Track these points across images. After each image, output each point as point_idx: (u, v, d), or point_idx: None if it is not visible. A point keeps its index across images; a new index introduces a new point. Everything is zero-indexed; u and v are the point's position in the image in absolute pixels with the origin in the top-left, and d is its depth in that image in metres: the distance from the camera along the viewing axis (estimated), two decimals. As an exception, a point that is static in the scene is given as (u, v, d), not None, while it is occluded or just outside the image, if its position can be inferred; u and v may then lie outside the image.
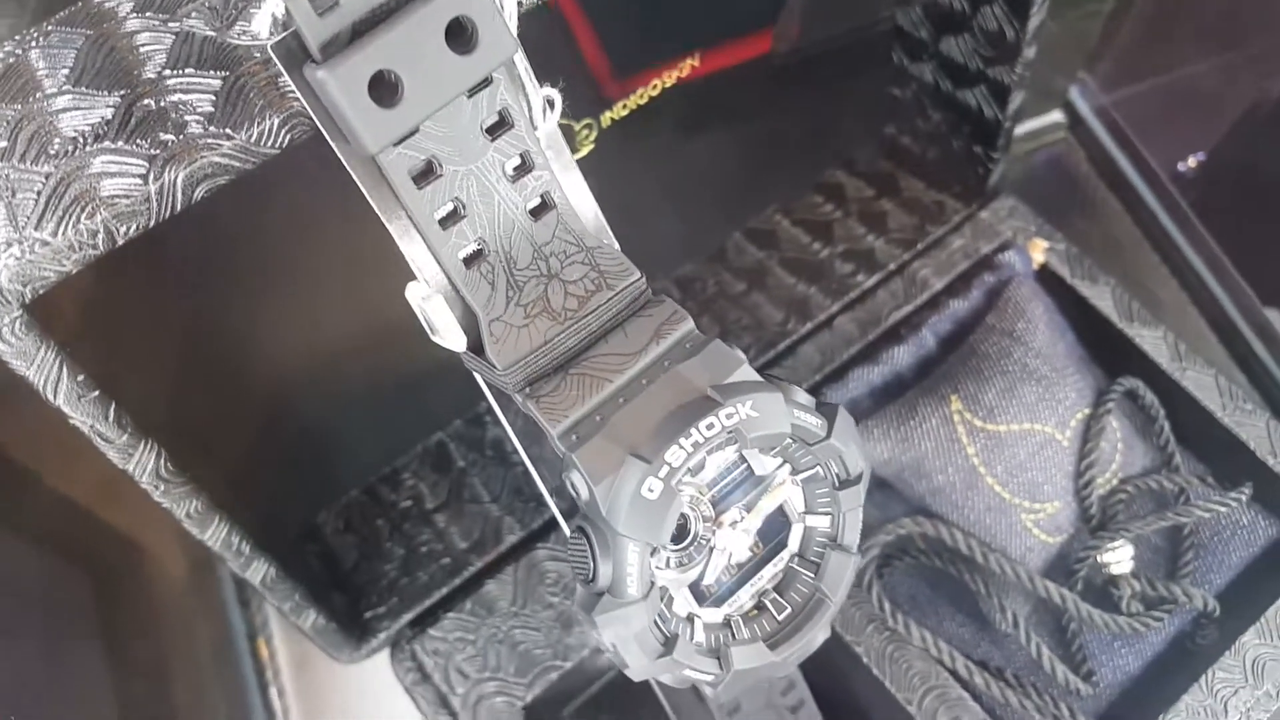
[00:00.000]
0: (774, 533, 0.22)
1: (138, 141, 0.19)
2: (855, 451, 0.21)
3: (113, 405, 0.21)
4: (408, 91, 0.17)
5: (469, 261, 0.19)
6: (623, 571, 0.19)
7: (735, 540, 0.21)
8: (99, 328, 0.23)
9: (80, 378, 0.20)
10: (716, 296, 0.39)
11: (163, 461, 0.22)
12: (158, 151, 0.18)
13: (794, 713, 0.30)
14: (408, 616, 0.34)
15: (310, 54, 0.16)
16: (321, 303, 0.31)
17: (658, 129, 0.34)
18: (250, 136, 0.19)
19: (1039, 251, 0.39)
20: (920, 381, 0.37)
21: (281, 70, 0.17)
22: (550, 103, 0.19)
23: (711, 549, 0.21)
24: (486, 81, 0.18)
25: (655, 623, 0.20)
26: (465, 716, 0.33)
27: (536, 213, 0.19)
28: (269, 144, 0.19)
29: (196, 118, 0.19)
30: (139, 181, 0.18)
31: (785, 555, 0.22)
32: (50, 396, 0.20)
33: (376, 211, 0.18)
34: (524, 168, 0.19)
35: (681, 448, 0.18)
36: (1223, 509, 0.34)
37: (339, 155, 0.18)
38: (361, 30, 0.16)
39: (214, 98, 0.19)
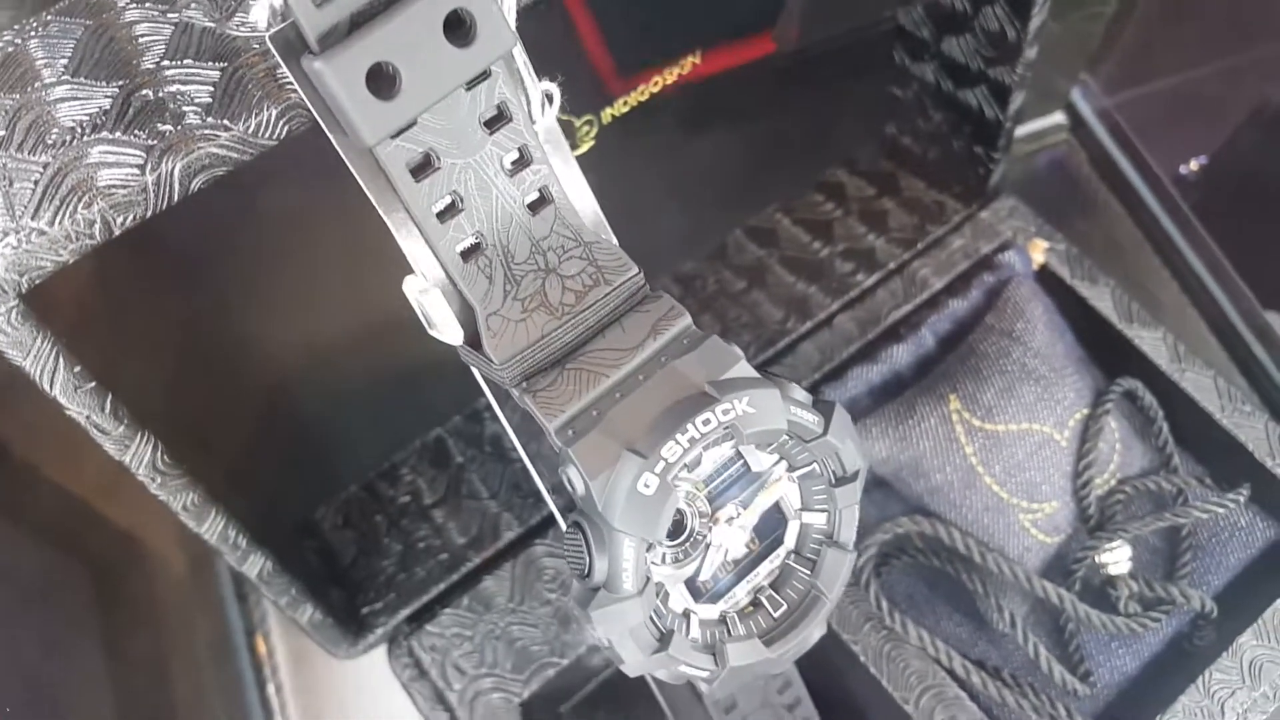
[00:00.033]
0: (770, 529, 0.22)
1: (135, 132, 0.19)
2: (852, 448, 0.21)
3: (109, 397, 0.21)
4: (406, 84, 0.17)
5: (466, 255, 0.19)
6: (618, 567, 0.19)
7: (731, 537, 0.21)
8: (96, 319, 0.23)
9: (77, 369, 0.20)
10: (716, 294, 0.39)
11: (159, 454, 0.22)
12: (155, 142, 0.18)
13: (790, 711, 0.30)
14: (405, 612, 0.34)
15: (308, 45, 0.16)
16: (320, 297, 0.31)
17: (658, 126, 0.34)
18: (248, 128, 0.19)
19: (1039, 252, 0.39)
20: (919, 381, 0.37)
21: (279, 61, 0.17)
22: (549, 97, 0.19)
23: (707, 545, 0.21)
24: (485, 75, 0.18)
25: (651, 618, 0.20)
26: (462, 713, 0.33)
27: (534, 207, 0.19)
28: (267, 135, 0.19)
29: (194, 108, 0.19)
30: (136, 172, 0.18)
31: (781, 552, 0.22)
32: (47, 387, 0.20)
33: (374, 204, 0.18)
34: (522, 162, 0.19)
35: (678, 443, 0.18)
36: (1221, 510, 0.34)
37: (337, 147, 0.18)
38: (360, 22, 0.16)
39: (212, 89, 0.19)
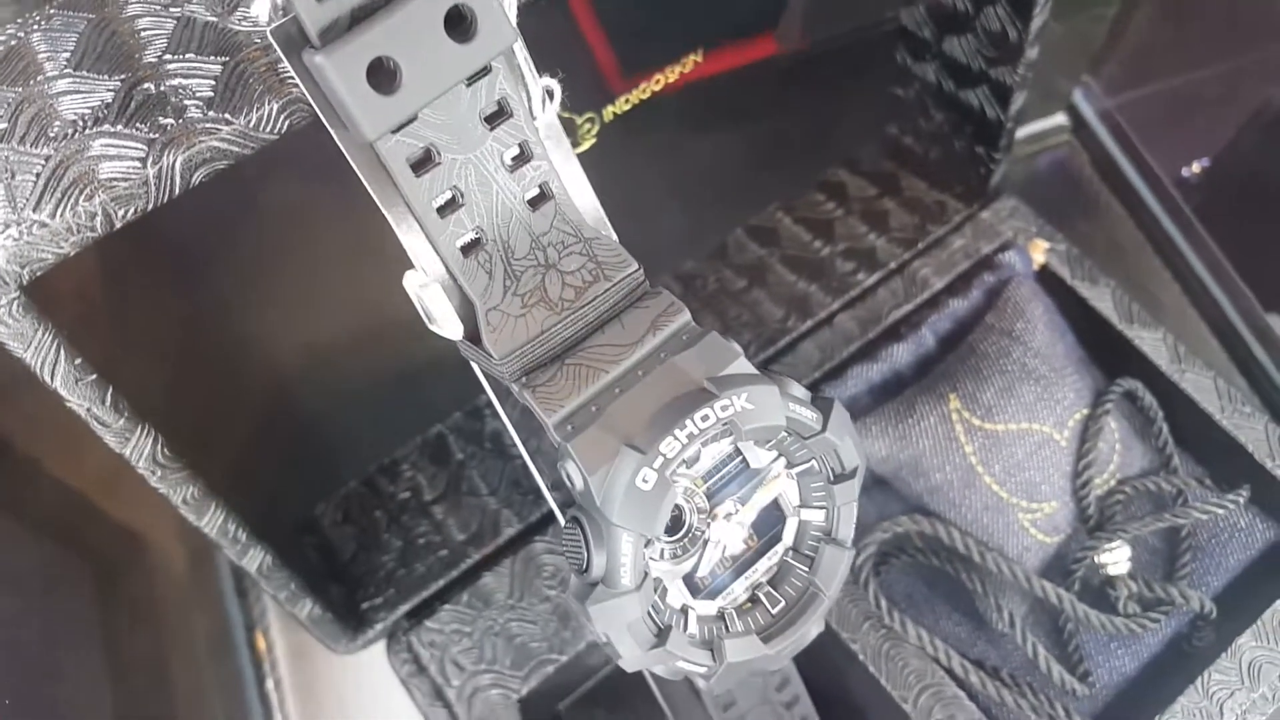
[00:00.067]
0: (769, 526, 0.22)
1: (137, 125, 0.19)
2: (850, 446, 0.21)
3: (110, 389, 0.21)
4: (406, 78, 0.17)
5: (467, 250, 0.19)
6: (616, 562, 0.19)
7: (730, 533, 0.21)
8: (97, 312, 0.23)
9: (77, 361, 0.20)
10: (717, 293, 0.39)
11: (160, 447, 0.22)
12: (156, 135, 0.19)
13: (789, 709, 0.30)
14: (404, 608, 0.34)
15: (309, 40, 0.16)
16: (321, 293, 0.31)
17: (660, 124, 0.34)
18: (249, 122, 0.19)
19: (1039, 252, 0.39)
20: (919, 380, 0.37)
21: (281, 56, 0.17)
22: (550, 93, 0.19)
23: (706, 541, 0.21)
24: (486, 70, 0.18)
25: (649, 614, 0.20)
26: (460, 709, 0.33)
27: (535, 203, 0.19)
28: (268, 129, 0.19)
29: (196, 102, 0.19)
30: (137, 165, 0.18)
31: (780, 549, 0.22)
32: (47, 379, 0.20)
33: (375, 199, 0.18)
34: (523, 157, 0.19)
35: (676, 439, 0.18)
36: (1220, 511, 0.34)
37: (337, 142, 0.18)
38: (361, 17, 0.16)
39: (214, 83, 0.19)
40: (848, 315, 0.39)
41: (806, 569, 0.22)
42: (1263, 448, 0.35)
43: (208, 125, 0.19)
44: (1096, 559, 0.34)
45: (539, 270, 0.19)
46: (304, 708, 0.39)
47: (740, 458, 0.21)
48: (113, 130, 0.19)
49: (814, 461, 0.21)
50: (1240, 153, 0.46)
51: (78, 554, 0.37)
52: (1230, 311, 0.44)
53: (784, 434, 0.20)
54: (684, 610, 0.21)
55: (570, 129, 0.31)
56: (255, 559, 0.27)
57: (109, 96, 0.19)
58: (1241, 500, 0.34)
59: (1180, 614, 0.34)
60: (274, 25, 0.17)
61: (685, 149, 0.37)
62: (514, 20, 0.18)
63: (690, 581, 0.21)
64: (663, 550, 0.20)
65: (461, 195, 0.18)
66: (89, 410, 0.21)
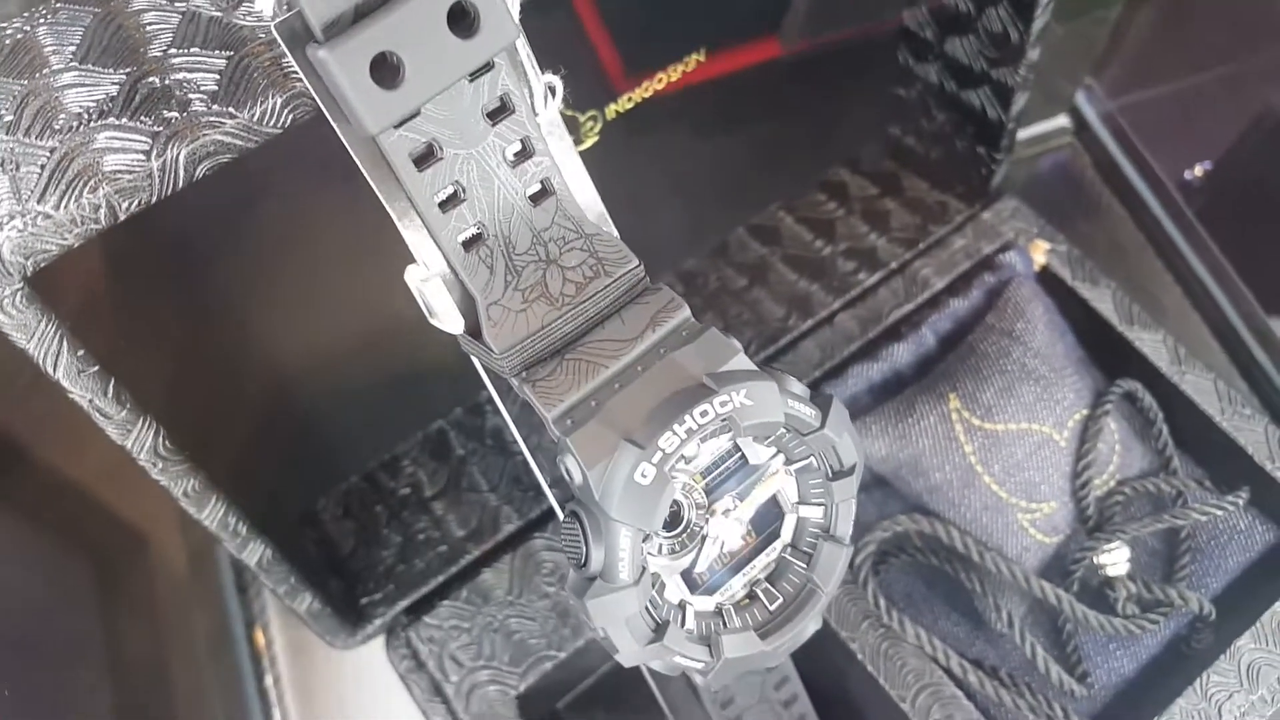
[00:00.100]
0: (767, 523, 0.22)
1: (141, 118, 0.19)
2: (849, 442, 0.21)
3: (112, 381, 0.21)
4: (409, 73, 0.17)
5: (468, 245, 0.19)
6: (615, 556, 0.19)
7: (728, 529, 0.21)
8: (100, 304, 0.23)
9: (80, 352, 0.20)
10: (719, 291, 0.40)
11: (161, 439, 0.23)
12: (161, 129, 0.19)
13: (787, 707, 0.30)
14: (404, 603, 0.34)
15: (313, 34, 0.16)
16: (324, 288, 0.31)
17: (662, 123, 0.34)
18: (253, 116, 0.19)
19: (1040, 253, 0.39)
20: (919, 379, 0.37)
21: (285, 50, 0.17)
22: (552, 89, 0.19)
23: (704, 537, 0.21)
24: (488, 66, 0.18)
25: (646, 609, 0.20)
26: (458, 704, 0.33)
27: (536, 198, 0.19)
28: (271, 123, 0.19)
29: (200, 96, 0.19)
30: (142, 157, 0.18)
31: (778, 545, 0.22)
32: (50, 370, 0.20)
33: (377, 194, 0.18)
34: (524, 153, 0.19)
35: (675, 434, 0.18)
36: (1219, 512, 0.34)
37: (340, 137, 0.18)
38: (364, 12, 0.16)
39: (218, 77, 0.19)
40: (848, 314, 0.39)
41: (804, 565, 0.22)
42: (1262, 450, 0.35)
43: (211, 119, 0.19)
44: (1095, 560, 0.34)
45: (540, 265, 0.19)
46: (303, 704, 0.39)
47: (739, 454, 0.21)
48: (117, 123, 0.19)
49: (812, 458, 0.21)
50: (1243, 156, 0.46)
51: (79, 549, 0.37)
52: (1232, 314, 0.44)
53: (783, 430, 0.20)
54: (681, 606, 0.21)
55: (573, 127, 0.31)
56: (255, 552, 0.27)
57: (114, 90, 0.19)
58: (1241, 502, 0.34)
59: (1179, 615, 0.34)
60: (278, 20, 0.17)
61: (687, 148, 0.37)
62: (516, 17, 0.18)
63: (688, 577, 0.21)
64: (661, 545, 0.20)
65: (463, 190, 0.18)
66: (91, 402, 0.21)
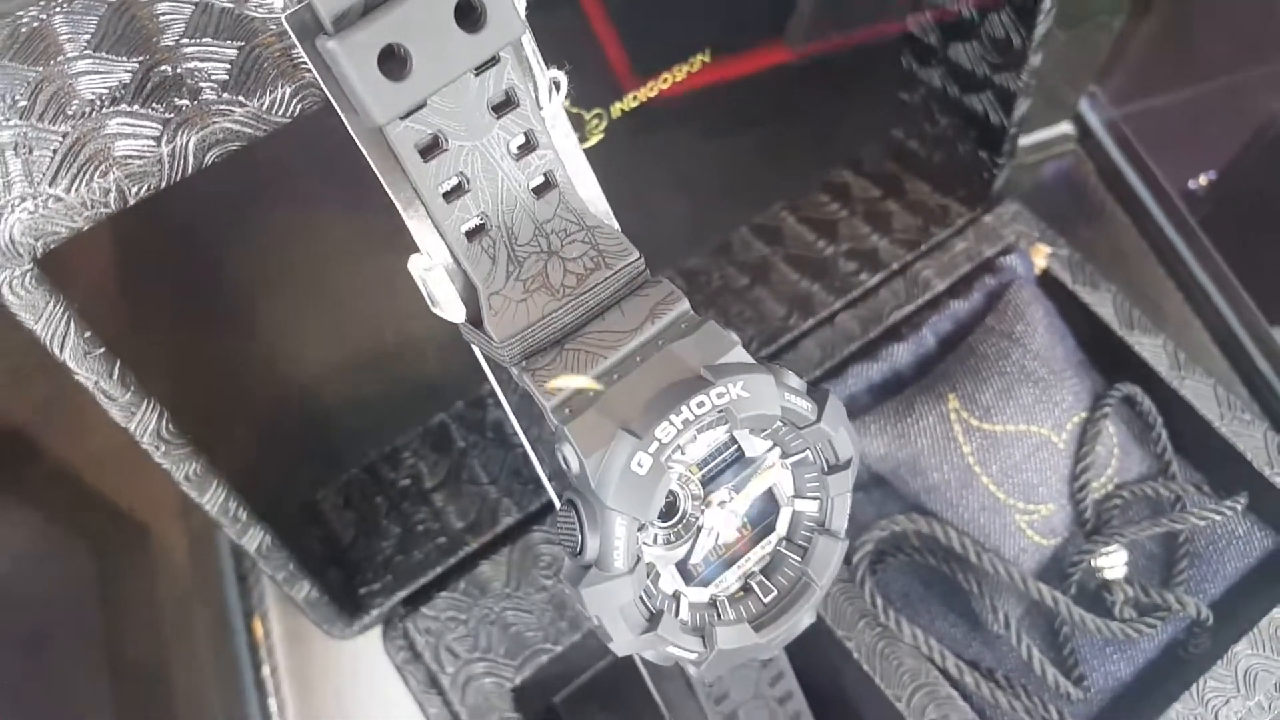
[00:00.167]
0: (763, 516, 0.22)
1: (153, 105, 0.19)
2: (845, 437, 0.21)
3: (117, 363, 0.21)
4: (416, 66, 0.17)
5: (471, 235, 0.19)
6: (610, 545, 0.19)
7: (723, 520, 0.21)
8: (107, 288, 0.23)
9: (87, 334, 0.21)
10: (721, 289, 0.40)
11: (164, 422, 0.23)
12: (172, 115, 0.19)
13: (782, 704, 0.30)
14: (401, 594, 0.34)
15: (323, 26, 0.17)
16: (330, 280, 0.31)
17: (667, 122, 0.35)
18: (262, 105, 0.19)
19: (1041, 257, 0.39)
20: (919, 380, 0.37)
21: (294, 41, 0.17)
22: (556, 84, 0.20)
23: (699, 528, 0.21)
24: (494, 60, 0.18)
25: (641, 598, 0.20)
26: (454, 696, 0.33)
27: (539, 191, 0.19)
28: (280, 113, 0.19)
29: (211, 85, 0.19)
30: (152, 143, 0.19)
31: (773, 539, 0.22)
32: (56, 351, 0.20)
33: (382, 183, 0.19)
34: (528, 146, 0.19)
35: (672, 424, 0.19)
36: (1217, 517, 0.34)
37: (348, 127, 0.18)
38: (373, 5, 0.17)
39: (229, 66, 0.19)
40: (849, 314, 0.39)
41: (799, 559, 0.22)
42: (1261, 455, 0.35)
43: (221, 107, 0.19)
44: (1093, 563, 0.34)
45: (541, 256, 0.19)
46: (300, 694, 0.39)
47: (735, 446, 0.21)
48: (129, 110, 0.19)
49: (808, 452, 0.21)
50: (1246, 165, 0.46)
51: (78, 539, 0.37)
52: (1234, 322, 0.44)
53: (779, 423, 0.20)
54: (676, 596, 0.21)
55: (578, 124, 0.32)
56: (255, 538, 0.27)
57: (127, 77, 0.19)
58: (1239, 507, 0.34)
59: (1177, 620, 0.34)
60: (289, 12, 0.17)
61: (691, 147, 0.37)
62: (523, 13, 0.18)
63: (683, 568, 0.21)
64: (656, 536, 0.21)
65: (467, 181, 0.19)
66: (96, 384, 0.21)
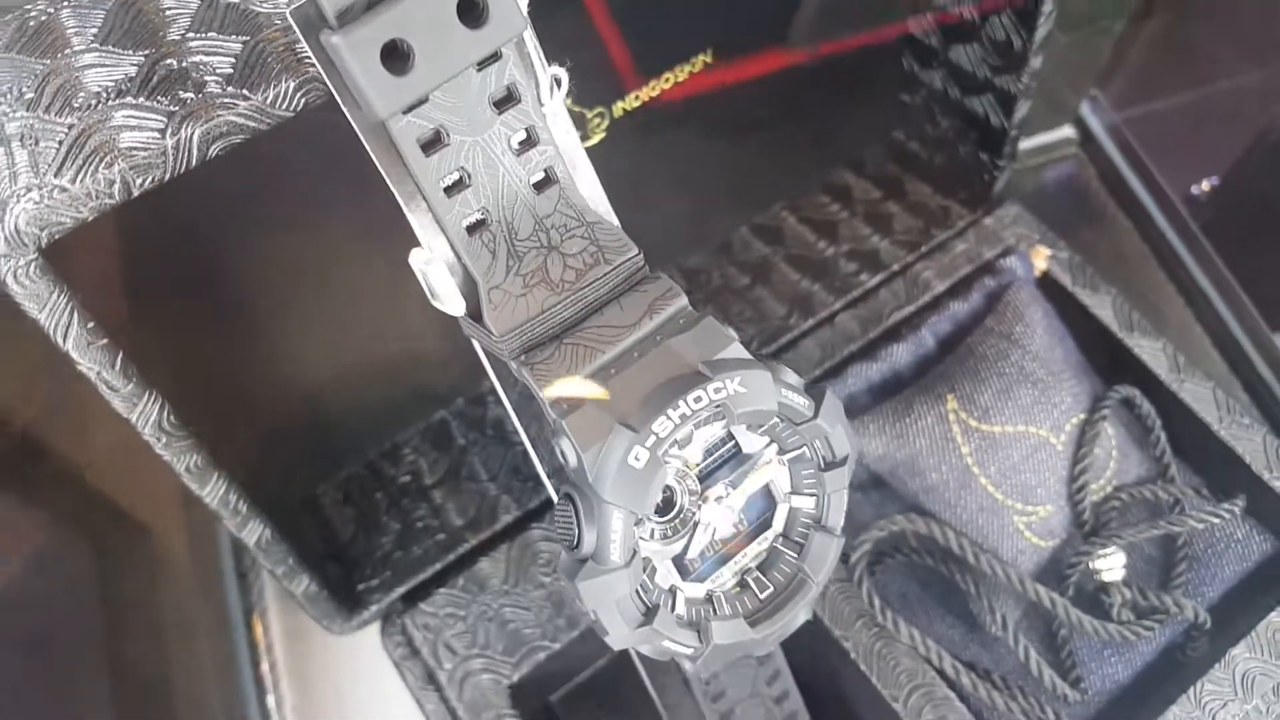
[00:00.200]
0: (759, 512, 0.22)
1: (158, 98, 0.19)
2: (842, 433, 0.21)
3: (120, 354, 0.22)
4: (419, 61, 0.17)
5: (472, 230, 0.19)
6: (607, 539, 0.19)
7: (720, 516, 0.21)
8: (111, 279, 0.23)
9: (90, 325, 0.21)
10: (721, 289, 0.40)
11: (166, 414, 0.23)
12: (176, 108, 0.19)
13: (778, 703, 0.30)
14: (400, 590, 0.34)
15: (327, 21, 0.17)
16: (332, 276, 0.31)
17: (668, 122, 0.35)
18: (266, 98, 0.19)
19: (1041, 259, 0.39)
20: (918, 380, 0.37)
21: (299, 36, 0.17)
22: (557, 81, 0.20)
23: (696, 523, 0.21)
24: (496, 56, 0.18)
25: (637, 592, 0.20)
26: (451, 692, 0.33)
27: (539, 186, 0.20)
28: (284, 106, 0.20)
29: (215, 78, 0.19)
30: (157, 136, 0.19)
31: (769, 535, 0.22)
32: (60, 341, 0.21)
33: (384, 177, 0.19)
34: (529, 142, 0.19)
35: (669, 419, 0.19)
36: (1215, 520, 0.34)
37: (350, 121, 0.18)
38: (377, 0, 0.17)
39: (234, 60, 0.20)
40: (849, 315, 0.39)
41: (796, 555, 0.22)
42: (1260, 459, 0.35)
43: (226, 100, 0.19)
44: (1091, 565, 0.34)
45: (541, 252, 0.20)
46: (298, 690, 0.39)
47: (732, 442, 0.21)
48: (134, 102, 0.19)
49: (805, 448, 0.21)
50: (1248, 171, 0.46)
51: (78, 536, 0.37)
52: (1235, 327, 0.44)
53: (776, 419, 0.20)
54: (672, 591, 0.21)
55: (580, 123, 0.32)
56: (254, 532, 0.27)
57: (132, 70, 0.19)
58: (1237, 510, 0.34)
59: (1175, 623, 0.34)
60: (294, 7, 0.17)
61: (693, 147, 0.37)
62: (525, 10, 0.18)
63: (680, 563, 0.21)
64: (653, 530, 0.21)
65: (469, 176, 0.19)
66: (99, 374, 0.21)
